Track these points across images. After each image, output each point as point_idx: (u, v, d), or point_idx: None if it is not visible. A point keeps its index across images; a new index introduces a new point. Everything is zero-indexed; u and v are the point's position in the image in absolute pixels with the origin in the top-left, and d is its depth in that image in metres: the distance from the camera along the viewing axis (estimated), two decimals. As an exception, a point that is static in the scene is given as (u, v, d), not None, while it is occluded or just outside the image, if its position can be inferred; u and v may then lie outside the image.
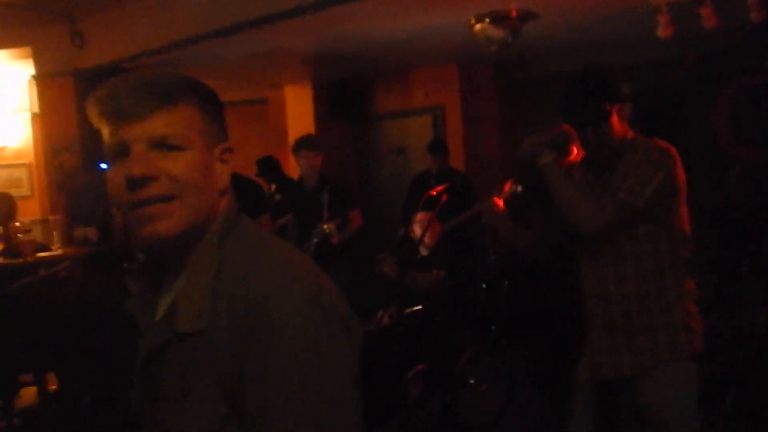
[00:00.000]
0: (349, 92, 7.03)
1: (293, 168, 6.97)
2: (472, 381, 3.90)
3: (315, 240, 4.42)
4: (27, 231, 4.39)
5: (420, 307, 3.69)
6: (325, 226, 4.35)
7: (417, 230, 3.94)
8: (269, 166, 6.30)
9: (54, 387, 4.29)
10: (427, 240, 3.89)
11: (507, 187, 2.54)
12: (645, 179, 2.00)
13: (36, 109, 5.31)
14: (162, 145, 0.97)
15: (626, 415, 2.21)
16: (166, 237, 0.98)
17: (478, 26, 4.59)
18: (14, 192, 4.67)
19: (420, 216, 3.95)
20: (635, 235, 2.06)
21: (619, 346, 2.09)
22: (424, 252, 4.09)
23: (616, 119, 2.08)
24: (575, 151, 2.27)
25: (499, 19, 4.52)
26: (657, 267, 2.06)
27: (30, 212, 5.34)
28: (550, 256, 2.85)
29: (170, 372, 0.98)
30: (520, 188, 2.49)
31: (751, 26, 4.15)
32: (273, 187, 6.38)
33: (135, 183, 0.95)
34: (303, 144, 4.59)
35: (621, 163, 2.07)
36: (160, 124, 0.97)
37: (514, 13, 4.49)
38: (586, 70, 2.18)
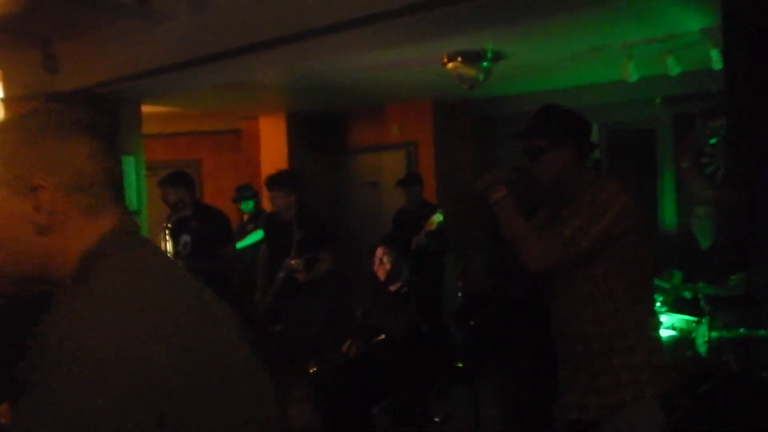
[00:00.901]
0: (323, 125, 7.07)
1: (266, 200, 6.96)
2: (437, 419, 3.86)
3: (281, 275, 4.39)
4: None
5: (383, 336, 3.66)
6: (292, 262, 4.31)
7: (380, 271, 3.96)
8: (248, 193, 6.29)
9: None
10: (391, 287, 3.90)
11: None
12: (594, 218, 2.00)
13: (4, 133, 5.23)
14: None
15: None
16: None
17: (450, 65, 4.69)
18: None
19: (380, 252, 3.97)
20: (592, 276, 2.05)
21: (585, 387, 2.09)
22: (393, 288, 4.10)
23: (564, 157, 2.11)
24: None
25: (470, 58, 4.62)
26: (614, 307, 2.05)
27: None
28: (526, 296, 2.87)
29: None
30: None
31: (714, 72, 4.30)
32: (246, 216, 6.36)
33: None
34: (272, 184, 4.51)
35: (575, 202, 2.08)
36: None
37: (487, 54, 4.59)
38: (547, 105, 2.22)
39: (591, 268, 2.05)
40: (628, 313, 2.05)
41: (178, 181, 4.40)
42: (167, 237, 4.28)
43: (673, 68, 4.42)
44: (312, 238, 4.43)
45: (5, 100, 4.90)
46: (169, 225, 4.31)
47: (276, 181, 4.50)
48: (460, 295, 4.59)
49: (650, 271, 2.16)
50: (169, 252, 4.24)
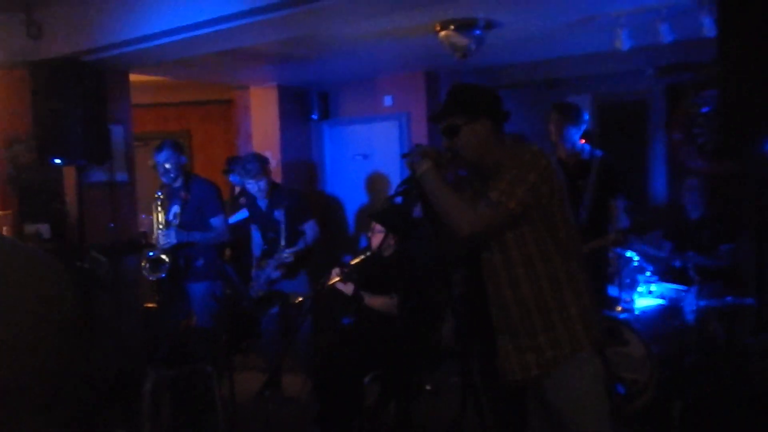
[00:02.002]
0: (314, 96, 7.00)
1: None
2: (428, 387, 3.90)
3: (274, 264, 4.43)
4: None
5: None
6: (285, 254, 4.37)
7: (374, 241, 3.94)
8: (238, 166, 6.24)
9: None
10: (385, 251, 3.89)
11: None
12: (517, 180, 2.09)
13: (-11, 101, 5.15)
14: None
15: (535, 417, 2.32)
16: None
17: (442, 33, 4.63)
18: (-36, 186, 4.52)
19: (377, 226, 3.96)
20: (522, 240, 2.15)
21: (524, 348, 2.19)
22: (387, 252, 4.08)
23: (479, 130, 2.21)
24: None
25: (463, 26, 4.57)
26: (547, 268, 2.15)
27: (-20, 207, 5.17)
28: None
29: None
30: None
31: (707, 41, 4.27)
32: (237, 189, 6.32)
33: None
34: (244, 174, 4.54)
35: (500, 169, 2.17)
36: None
37: (479, 22, 4.54)
38: (455, 84, 2.34)
39: (522, 231, 2.14)
40: (560, 270, 2.16)
41: (163, 147, 4.35)
42: (159, 207, 4.26)
43: (666, 37, 4.38)
44: (291, 215, 4.49)
45: (-11, 67, 4.83)
46: (161, 195, 4.29)
47: (246, 169, 4.54)
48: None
49: (575, 230, 2.25)
50: (161, 222, 4.22)
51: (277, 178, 5.90)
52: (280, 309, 4.60)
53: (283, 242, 4.39)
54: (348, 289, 3.80)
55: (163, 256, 4.14)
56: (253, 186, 4.55)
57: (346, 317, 3.99)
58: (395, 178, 6.14)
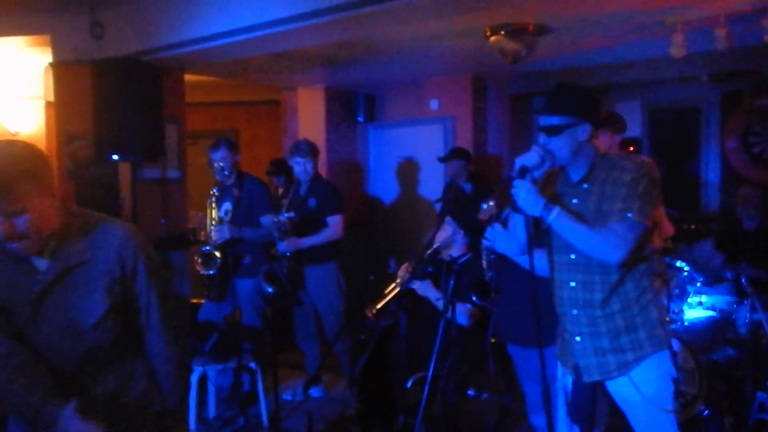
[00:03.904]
0: (361, 98, 7.06)
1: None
2: (471, 392, 3.89)
3: (276, 234, 4.42)
4: (35, 218, 4.40)
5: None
6: (282, 218, 4.37)
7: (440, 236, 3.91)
8: (282, 167, 6.33)
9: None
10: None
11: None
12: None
13: (51, 98, 5.33)
14: (10, 214, 1.65)
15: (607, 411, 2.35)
16: (26, 252, 1.73)
17: (493, 38, 4.63)
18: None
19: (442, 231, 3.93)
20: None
21: (605, 349, 2.23)
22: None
23: (580, 133, 2.20)
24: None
25: (514, 32, 4.55)
26: (636, 271, 2.19)
27: (38, 200, 5.36)
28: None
29: (71, 286, 1.77)
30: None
31: (764, 48, 4.17)
32: (280, 190, 6.41)
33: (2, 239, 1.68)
34: (295, 151, 4.60)
35: (607, 180, 2.18)
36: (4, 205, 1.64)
37: (530, 27, 4.52)
38: (561, 84, 2.31)
39: None
40: (646, 273, 2.21)
41: (221, 144, 4.44)
42: (213, 204, 4.33)
43: (723, 44, 4.29)
44: (321, 205, 4.56)
45: (54, 65, 5.02)
46: (215, 192, 4.38)
47: (296, 148, 4.62)
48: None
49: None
50: (214, 218, 4.30)
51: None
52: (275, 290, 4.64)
53: (283, 210, 4.44)
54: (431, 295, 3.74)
55: (216, 252, 4.23)
56: (300, 165, 4.56)
57: (384, 320, 3.98)
58: (439, 182, 6.14)
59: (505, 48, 4.64)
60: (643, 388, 2.18)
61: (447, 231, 3.78)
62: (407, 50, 5.29)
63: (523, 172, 2.18)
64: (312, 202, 4.57)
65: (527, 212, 2.20)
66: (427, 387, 3.25)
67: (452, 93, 6.59)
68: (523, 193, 2.16)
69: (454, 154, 5.60)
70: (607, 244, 2.11)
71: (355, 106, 7.07)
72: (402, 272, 3.72)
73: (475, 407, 3.79)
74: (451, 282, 3.32)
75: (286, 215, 4.40)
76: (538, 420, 3.01)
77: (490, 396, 3.73)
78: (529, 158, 2.19)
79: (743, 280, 3.88)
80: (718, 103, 5.78)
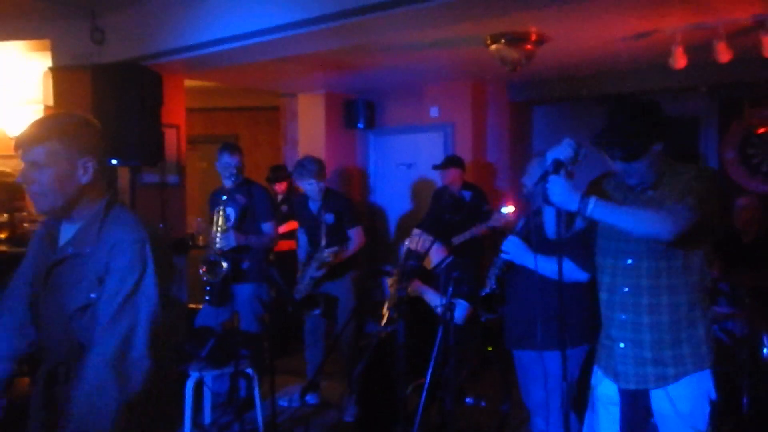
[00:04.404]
0: (361, 104, 7.07)
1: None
2: (469, 399, 3.89)
3: (315, 264, 4.44)
4: (33, 221, 4.40)
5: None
6: (325, 254, 4.38)
7: (416, 244, 3.95)
8: (282, 175, 6.33)
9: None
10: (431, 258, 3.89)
11: None
12: (708, 193, 2.06)
13: (50, 102, 5.35)
14: (34, 165, 1.80)
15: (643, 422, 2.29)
16: (42, 211, 1.88)
17: (493, 46, 4.65)
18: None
19: (417, 231, 3.97)
20: (675, 251, 2.12)
21: (645, 360, 2.18)
22: (428, 266, 4.10)
23: (654, 157, 2.13)
24: None
25: (514, 40, 4.57)
26: (689, 283, 2.14)
27: (37, 204, 5.36)
28: None
29: (67, 272, 1.83)
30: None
31: (762, 60, 4.19)
32: (279, 197, 6.41)
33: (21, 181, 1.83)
34: (305, 173, 4.54)
35: (673, 182, 2.14)
36: (34, 154, 1.80)
37: (530, 36, 4.54)
38: (633, 103, 2.21)
39: (677, 261, 2.13)
40: (697, 287, 2.15)
41: (236, 150, 4.44)
42: (221, 212, 4.24)
43: (723, 55, 4.31)
44: (339, 220, 4.53)
45: (54, 69, 5.03)
46: (224, 199, 4.30)
47: (304, 170, 4.54)
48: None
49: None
50: (220, 225, 4.24)
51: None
52: (322, 312, 4.64)
53: (323, 242, 4.41)
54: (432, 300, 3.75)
55: (222, 261, 4.19)
56: (312, 186, 4.54)
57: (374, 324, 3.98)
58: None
59: (505, 56, 4.66)
60: (679, 404, 2.14)
61: (415, 242, 3.81)
62: (407, 57, 5.31)
63: (558, 166, 2.06)
64: (329, 218, 4.52)
65: (562, 208, 2.09)
66: (424, 394, 3.25)
67: (452, 100, 6.61)
68: (558, 188, 2.04)
69: (450, 162, 5.62)
70: (656, 218, 2.02)
71: (355, 113, 7.08)
72: (391, 286, 3.75)
73: (473, 415, 3.78)
74: (450, 289, 3.33)
75: (328, 251, 4.36)
76: (541, 423, 2.98)
77: (487, 403, 3.72)
78: (562, 152, 2.09)
79: (740, 291, 3.89)
80: (716, 114, 5.81)
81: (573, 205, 2.05)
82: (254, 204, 4.39)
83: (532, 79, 6.28)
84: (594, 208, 2.04)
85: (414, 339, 3.71)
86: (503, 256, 2.89)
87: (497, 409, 3.73)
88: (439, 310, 3.43)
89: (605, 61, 5.42)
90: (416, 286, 3.68)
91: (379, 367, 3.69)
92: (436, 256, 3.83)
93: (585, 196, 2.05)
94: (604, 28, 4.40)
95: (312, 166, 4.55)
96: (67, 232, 1.88)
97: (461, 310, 3.52)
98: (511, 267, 2.94)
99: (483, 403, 3.65)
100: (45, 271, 1.86)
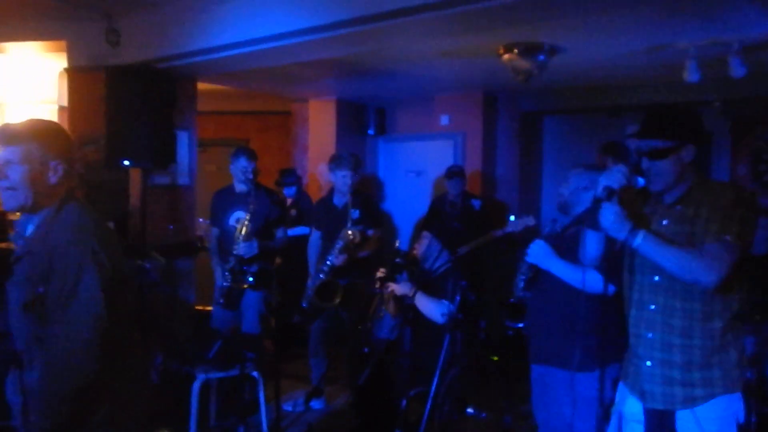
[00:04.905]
0: (371, 111, 7.09)
1: (312, 182, 7.03)
2: (471, 410, 3.87)
3: (339, 245, 4.41)
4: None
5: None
6: (349, 233, 4.35)
7: (418, 249, 3.95)
8: (291, 179, 6.36)
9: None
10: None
11: None
12: (746, 220, 2.03)
13: (64, 102, 5.39)
14: (9, 162, 2.02)
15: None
16: (11, 208, 2.05)
17: (506, 56, 4.65)
18: (35, 181, 4.72)
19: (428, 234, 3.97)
20: (709, 294, 2.09)
21: (674, 380, 2.15)
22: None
23: (685, 156, 2.12)
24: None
25: (527, 50, 4.57)
26: (723, 305, 2.10)
27: (48, 202, 5.39)
28: None
29: (22, 267, 2.02)
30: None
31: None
32: (289, 201, 6.43)
33: None
34: (344, 163, 4.59)
35: (703, 203, 2.10)
36: (10, 152, 2.02)
37: (543, 46, 4.54)
38: (667, 106, 2.24)
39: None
40: (731, 309, 2.11)
41: (254, 155, 4.47)
42: (246, 221, 4.22)
43: (737, 71, 4.30)
44: (366, 217, 4.55)
45: (69, 70, 5.07)
46: (251, 208, 4.25)
47: (347, 162, 4.60)
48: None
49: None
50: (243, 234, 4.23)
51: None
52: (325, 320, 4.63)
53: (349, 225, 4.38)
54: (404, 289, 3.75)
55: (247, 268, 4.21)
56: (346, 179, 4.54)
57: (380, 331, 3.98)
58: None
59: (517, 66, 4.66)
60: (706, 425, 2.11)
61: (424, 244, 3.81)
62: (419, 65, 5.32)
63: (611, 193, 2.09)
64: (355, 213, 4.51)
65: (612, 235, 2.13)
66: (429, 403, 3.24)
67: (463, 109, 6.61)
68: (611, 216, 2.09)
69: (458, 172, 5.68)
70: (700, 265, 2.01)
71: (365, 119, 7.11)
72: (379, 274, 3.77)
73: (475, 426, 3.77)
74: (458, 298, 3.33)
75: (354, 228, 4.34)
76: None
77: (489, 415, 3.71)
78: (615, 180, 2.10)
79: (750, 308, 3.85)
80: (728, 130, 5.78)
81: (621, 234, 2.10)
82: (268, 210, 4.41)
83: (544, 89, 6.27)
84: (642, 241, 2.07)
85: (417, 347, 3.71)
86: (527, 259, 2.87)
87: (500, 420, 3.71)
88: (443, 318, 3.43)
89: (618, 73, 5.41)
90: (423, 304, 3.64)
91: (382, 375, 3.68)
92: (436, 260, 3.83)
93: (635, 228, 2.08)
94: (618, 40, 4.39)
95: (351, 157, 4.62)
96: (30, 229, 2.10)
97: (437, 314, 3.51)
98: (537, 274, 2.90)
99: (484, 415, 3.64)
100: (10, 265, 2.06)
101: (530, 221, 3.70)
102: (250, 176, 4.36)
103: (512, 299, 2.93)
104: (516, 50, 4.55)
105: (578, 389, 2.65)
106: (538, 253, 2.83)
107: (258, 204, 4.29)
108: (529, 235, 3.07)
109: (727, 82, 4.57)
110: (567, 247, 2.76)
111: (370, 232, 4.62)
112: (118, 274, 2.02)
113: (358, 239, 4.37)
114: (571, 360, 2.63)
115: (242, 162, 4.38)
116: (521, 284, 2.94)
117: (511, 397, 3.79)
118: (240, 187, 4.45)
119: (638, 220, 2.14)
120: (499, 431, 3.71)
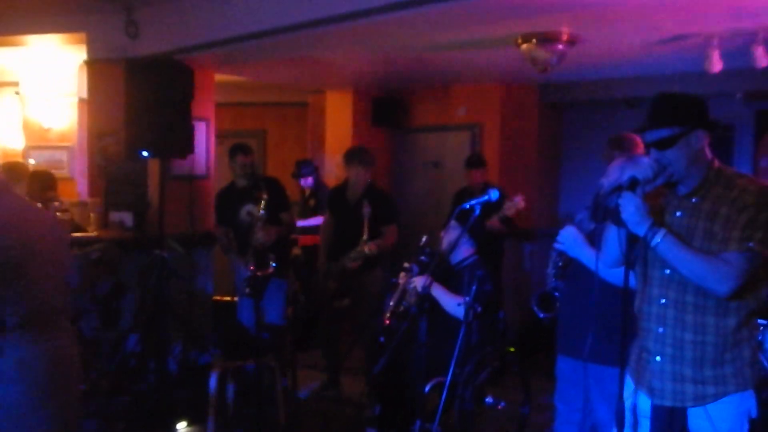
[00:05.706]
0: (389, 102, 7.07)
1: (328, 173, 7.04)
2: (489, 400, 3.87)
3: (353, 257, 4.51)
4: (64, 210, 4.48)
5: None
6: (366, 249, 4.44)
7: (443, 242, 3.94)
8: (308, 169, 6.37)
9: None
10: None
11: None
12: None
13: (84, 94, 5.44)
14: None
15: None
16: None
17: (524, 46, 4.61)
18: (55, 173, 4.77)
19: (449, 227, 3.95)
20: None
21: (685, 377, 2.09)
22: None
23: (695, 142, 2.05)
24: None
25: (546, 41, 4.53)
26: (739, 303, 2.04)
27: (68, 194, 5.45)
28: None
29: None
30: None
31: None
32: (307, 191, 6.44)
33: None
34: (356, 157, 4.69)
35: (722, 199, 2.03)
36: None
37: (562, 36, 4.50)
38: (662, 94, 2.14)
39: None
40: (746, 307, 2.05)
41: (249, 150, 4.64)
42: (262, 208, 4.31)
43: (761, 61, 4.22)
44: (378, 213, 4.57)
45: (88, 62, 5.12)
46: (265, 197, 4.34)
47: (360, 156, 4.73)
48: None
49: None
50: (261, 221, 4.33)
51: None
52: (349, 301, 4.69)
53: (365, 236, 4.44)
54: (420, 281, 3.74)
55: (270, 253, 4.29)
56: (358, 175, 4.70)
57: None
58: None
59: (535, 56, 4.62)
60: (718, 423, 2.06)
61: (452, 234, 3.79)
62: (437, 56, 5.30)
63: (634, 184, 2.01)
64: (367, 209, 4.57)
65: (630, 228, 2.04)
66: (445, 393, 3.24)
67: (481, 100, 6.58)
68: (632, 207, 2.00)
69: (481, 161, 5.61)
70: (716, 275, 1.96)
71: (382, 110, 7.08)
72: (402, 280, 3.75)
73: (493, 416, 3.77)
74: (474, 288, 3.32)
75: (369, 246, 4.43)
76: None
77: (507, 405, 3.70)
78: (641, 171, 2.03)
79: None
80: (752, 121, 5.69)
81: (641, 230, 2.02)
82: (275, 197, 4.47)
83: (563, 81, 6.21)
84: (661, 240, 2.01)
85: (434, 337, 3.71)
86: (556, 246, 2.79)
87: (517, 410, 3.70)
88: (460, 309, 3.42)
89: (639, 63, 5.34)
90: (432, 289, 3.62)
91: (399, 364, 3.69)
92: (462, 251, 3.82)
93: (654, 226, 2.01)
94: (639, 30, 4.34)
95: (364, 154, 4.74)
96: None
97: (459, 308, 3.48)
98: (569, 264, 2.79)
99: (502, 404, 3.63)
100: None
101: (519, 203, 3.68)
102: (248, 170, 4.56)
103: (543, 289, 2.86)
104: (534, 40, 4.51)
105: (606, 385, 2.55)
106: (567, 239, 2.73)
107: (263, 193, 4.38)
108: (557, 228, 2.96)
109: (751, 72, 4.50)
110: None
111: (387, 229, 4.63)
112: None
113: (375, 253, 4.47)
114: (604, 355, 2.56)
115: (240, 159, 4.58)
116: (551, 276, 2.86)
117: (528, 388, 3.77)
118: (242, 182, 4.61)
119: (657, 214, 2.07)
120: (516, 422, 3.70)
